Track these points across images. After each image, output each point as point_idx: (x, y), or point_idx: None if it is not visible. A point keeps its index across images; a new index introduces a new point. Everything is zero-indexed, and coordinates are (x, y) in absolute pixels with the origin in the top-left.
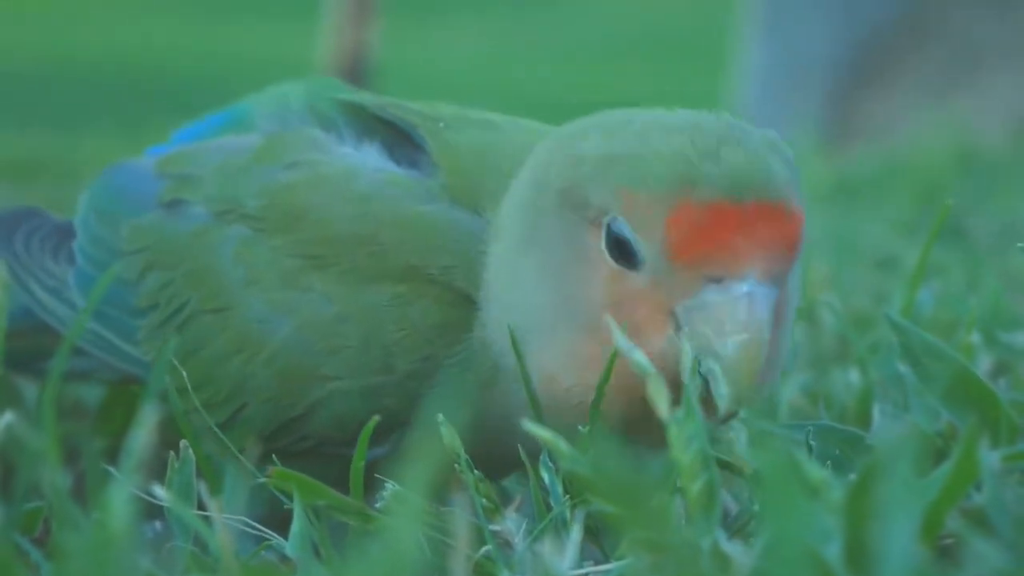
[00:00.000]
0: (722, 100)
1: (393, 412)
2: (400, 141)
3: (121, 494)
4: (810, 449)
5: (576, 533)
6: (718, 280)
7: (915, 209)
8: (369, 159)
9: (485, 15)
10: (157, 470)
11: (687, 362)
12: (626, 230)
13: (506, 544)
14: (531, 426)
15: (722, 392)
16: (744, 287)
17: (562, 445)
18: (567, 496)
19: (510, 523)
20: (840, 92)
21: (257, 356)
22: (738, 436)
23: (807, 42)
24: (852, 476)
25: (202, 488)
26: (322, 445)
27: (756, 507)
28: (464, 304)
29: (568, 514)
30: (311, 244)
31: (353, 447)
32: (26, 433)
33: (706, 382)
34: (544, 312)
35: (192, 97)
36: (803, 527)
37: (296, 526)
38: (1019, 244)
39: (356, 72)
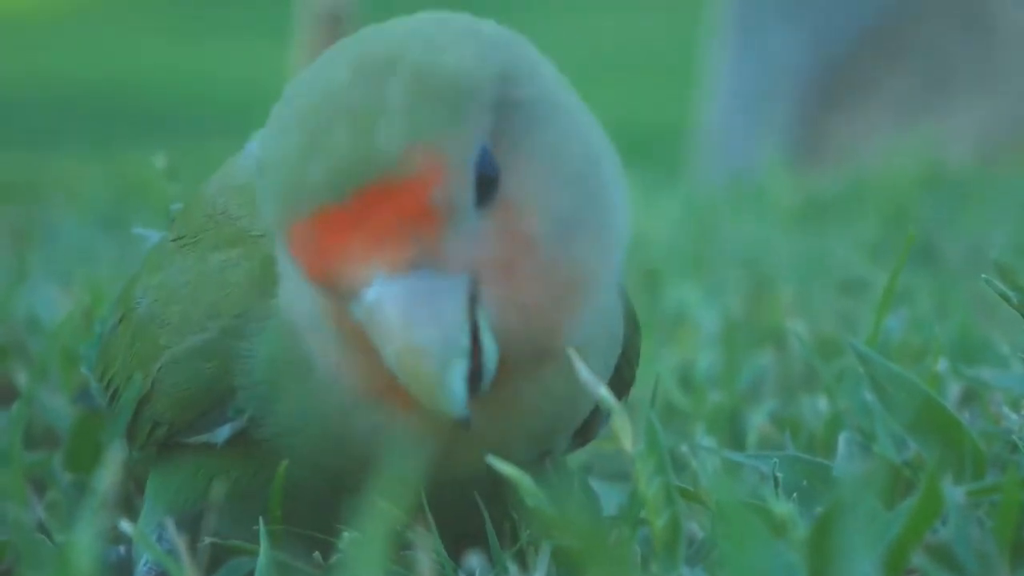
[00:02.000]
0: (692, 119)
1: (217, 377)
2: None
3: (86, 534)
4: (776, 480)
5: (541, 572)
6: (351, 294)
7: (883, 231)
8: None
9: None
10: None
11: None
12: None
13: None
14: (496, 462)
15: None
16: (372, 294)
17: (526, 481)
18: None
19: (474, 562)
20: (809, 112)
21: (125, 338)
22: (703, 465)
23: (776, 62)
24: (818, 509)
25: (168, 523)
26: (174, 434)
27: (719, 540)
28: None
29: (533, 552)
30: (183, 225)
31: (201, 432)
32: None
33: None
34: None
35: (166, 117)
36: (766, 564)
37: (262, 562)
38: (984, 276)
39: None
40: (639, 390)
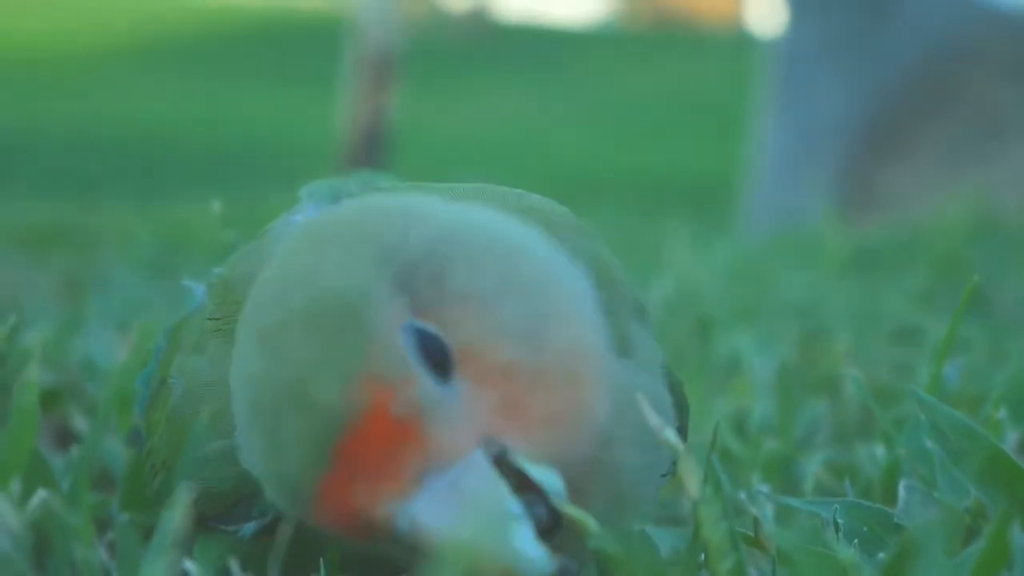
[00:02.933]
0: (742, 169)
1: (240, 481)
2: None
3: (156, 571)
4: (837, 527)
5: None
6: (388, 535)
7: (935, 280)
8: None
9: (504, 84)
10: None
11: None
12: None
13: None
14: (563, 503)
15: None
16: (403, 524)
17: (592, 523)
18: None
19: None
20: (858, 162)
21: (162, 415)
22: (763, 512)
23: (824, 112)
24: (881, 555)
25: (234, 564)
26: (205, 519)
27: None
28: None
29: None
30: (220, 307)
31: (230, 523)
32: (60, 509)
33: None
34: None
35: (212, 164)
36: None
37: None
38: None
39: (372, 140)
40: (695, 436)
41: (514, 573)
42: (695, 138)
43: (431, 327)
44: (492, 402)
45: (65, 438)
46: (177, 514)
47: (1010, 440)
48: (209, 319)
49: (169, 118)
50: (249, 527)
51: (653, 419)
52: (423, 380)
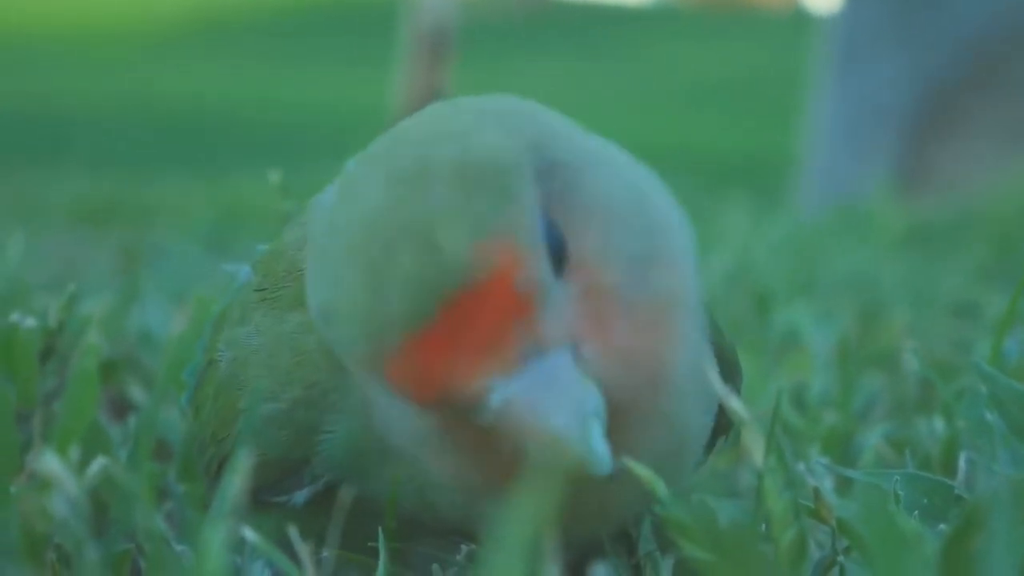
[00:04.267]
0: (795, 146)
1: (290, 446)
2: None
3: (217, 537)
4: (897, 498)
5: None
6: (473, 406)
7: (990, 256)
8: None
9: (558, 63)
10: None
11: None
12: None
13: None
14: (631, 463)
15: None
16: (497, 398)
17: (661, 488)
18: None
19: (600, 572)
20: (913, 140)
21: (211, 389)
22: (823, 484)
23: (879, 90)
24: (942, 527)
25: (292, 531)
26: (256, 492)
27: (841, 556)
28: None
29: (650, 566)
30: (265, 277)
31: (280, 494)
32: (120, 476)
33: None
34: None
35: (266, 141)
36: None
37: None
38: None
39: None
40: (755, 408)
41: (586, 468)
42: (751, 116)
43: (555, 225)
44: (588, 314)
45: (122, 409)
46: (237, 479)
47: None
48: (255, 291)
49: (225, 96)
50: (301, 495)
51: (719, 385)
52: (546, 264)
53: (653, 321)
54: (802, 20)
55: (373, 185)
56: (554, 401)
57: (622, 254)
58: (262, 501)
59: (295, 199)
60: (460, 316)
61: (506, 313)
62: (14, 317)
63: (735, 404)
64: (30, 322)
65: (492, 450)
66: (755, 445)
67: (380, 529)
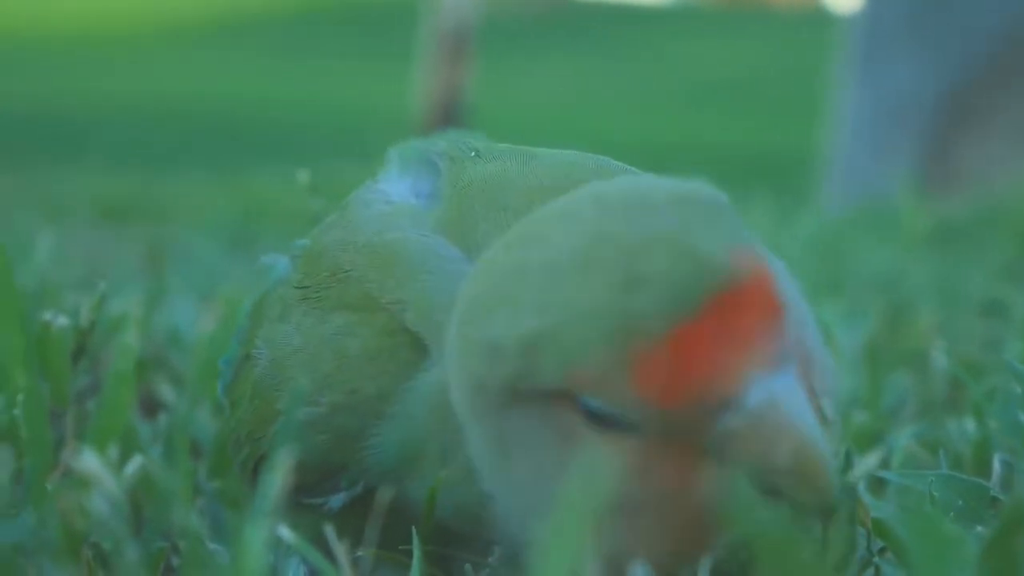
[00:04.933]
0: (817, 144)
1: (328, 450)
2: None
3: (257, 535)
4: (932, 499)
5: None
6: (727, 405)
7: (1017, 255)
8: (394, 191)
9: (577, 62)
10: None
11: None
12: (599, 406)
13: None
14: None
15: (805, 499)
16: (757, 396)
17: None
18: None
19: (639, 573)
20: (935, 137)
21: (247, 387)
22: (857, 484)
23: (901, 88)
24: (979, 528)
25: (329, 531)
26: (291, 493)
27: (876, 558)
28: (409, 344)
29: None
30: (306, 276)
31: (316, 496)
32: (158, 474)
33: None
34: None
35: (286, 139)
36: None
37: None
38: None
39: (449, 114)
40: None
41: (826, 489)
42: (773, 113)
43: None
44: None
45: (151, 408)
46: (277, 478)
47: None
48: (296, 288)
49: (244, 94)
50: (338, 499)
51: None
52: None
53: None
54: (823, 19)
55: (582, 218)
56: (805, 409)
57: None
58: (297, 503)
59: (323, 198)
60: (724, 315)
61: (767, 314)
62: (46, 316)
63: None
64: (62, 321)
65: (690, 499)
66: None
67: (415, 530)
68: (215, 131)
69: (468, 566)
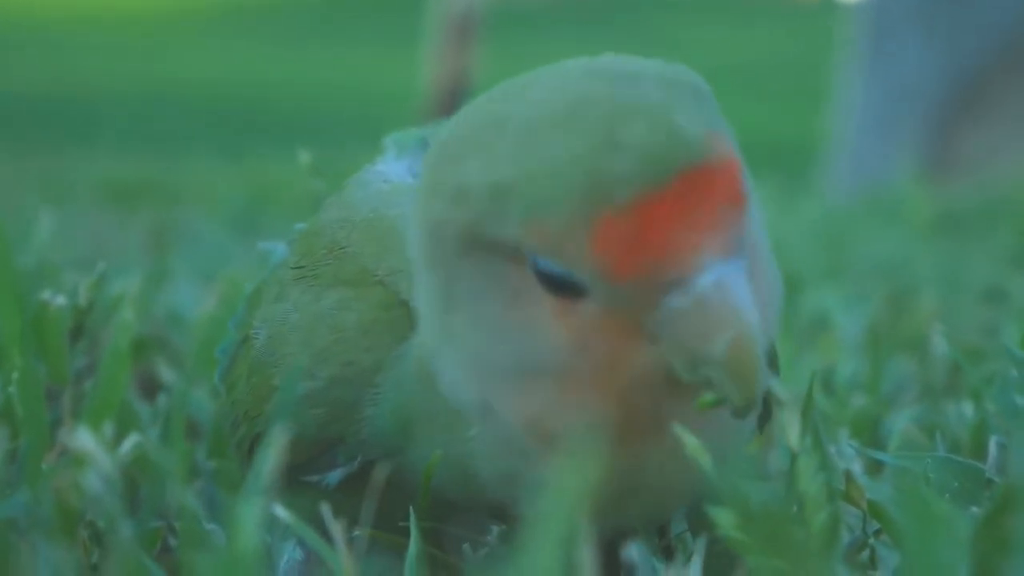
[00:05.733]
0: (823, 131)
1: (325, 424)
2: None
3: (251, 514)
4: (928, 481)
5: (698, 562)
6: (677, 283)
7: (1020, 242)
8: (391, 172)
9: (584, 42)
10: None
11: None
12: (551, 266)
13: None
14: (682, 432)
15: (731, 393)
16: (708, 278)
17: (707, 461)
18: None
19: (633, 553)
20: (941, 125)
21: (244, 367)
22: (852, 466)
23: (908, 76)
24: (974, 509)
25: (325, 509)
26: (288, 471)
27: (872, 539)
28: (404, 316)
29: (690, 543)
30: (303, 256)
31: (313, 473)
32: (154, 453)
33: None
34: (501, 366)
35: (293, 124)
36: (935, 562)
37: (412, 552)
38: None
39: (456, 99)
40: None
41: (755, 383)
42: (781, 100)
43: None
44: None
45: (151, 388)
46: (271, 456)
47: None
48: (293, 268)
49: (252, 77)
50: (335, 475)
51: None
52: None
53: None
54: (831, 6)
55: (568, 80)
56: (748, 300)
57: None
58: (294, 480)
59: (325, 179)
60: (690, 192)
61: (731, 201)
62: (44, 295)
63: (777, 387)
64: (60, 300)
65: (624, 374)
66: (791, 426)
67: (412, 508)
68: (224, 116)
69: (466, 545)
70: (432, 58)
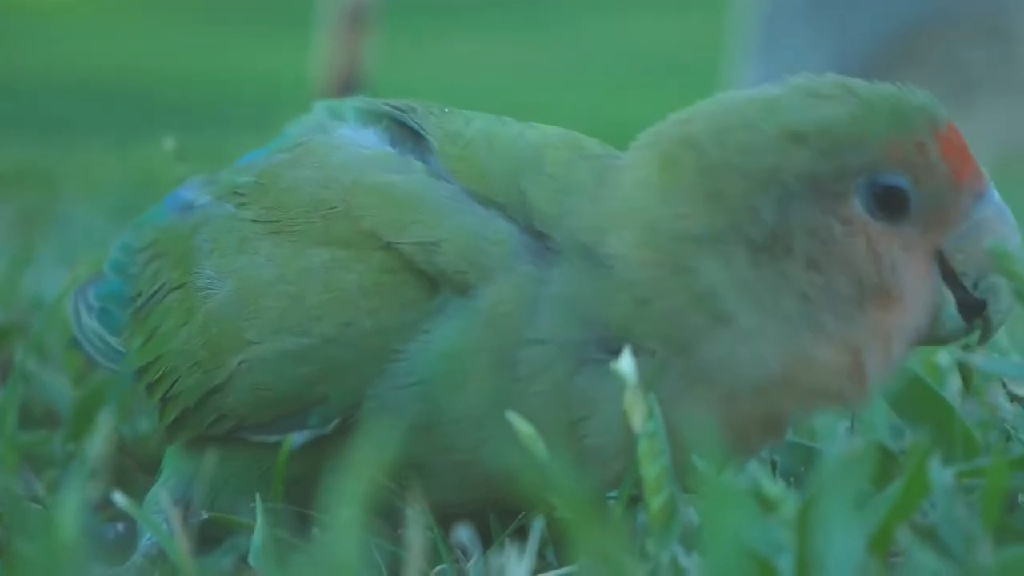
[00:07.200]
0: None
1: (310, 384)
2: (404, 131)
3: (72, 500)
4: (774, 464)
5: (534, 541)
6: (980, 196)
7: None
8: (363, 139)
9: (487, 34)
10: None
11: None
12: (898, 179)
13: (462, 556)
14: (513, 417)
15: (1003, 306)
16: (995, 197)
17: (540, 447)
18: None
19: (463, 535)
20: None
21: (195, 321)
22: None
23: (799, 68)
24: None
25: (163, 492)
26: (241, 429)
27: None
28: (412, 283)
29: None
30: (272, 210)
31: (272, 433)
32: None
33: (979, 304)
34: (835, 298)
35: (185, 109)
36: (753, 540)
37: (257, 539)
38: None
39: (350, 85)
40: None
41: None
42: (682, 90)
43: None
44: None
45: (8, 375)
46: (99, 443)
47: (953, 384)
48: (258, 221)
49: (142, 64)
50: (301, 436)
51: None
52: None
53: None
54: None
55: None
56: (1015, 229)
57: None
58: (240, 439)
59: (201, 165)
60: (950, 139)
61: (968, 154)
62: None
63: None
64: None
65: (919, 296)
66: (636, 409)
67: (258, 495)
68: (113, 102)
69: (316, 530)
70: (325, 45)
